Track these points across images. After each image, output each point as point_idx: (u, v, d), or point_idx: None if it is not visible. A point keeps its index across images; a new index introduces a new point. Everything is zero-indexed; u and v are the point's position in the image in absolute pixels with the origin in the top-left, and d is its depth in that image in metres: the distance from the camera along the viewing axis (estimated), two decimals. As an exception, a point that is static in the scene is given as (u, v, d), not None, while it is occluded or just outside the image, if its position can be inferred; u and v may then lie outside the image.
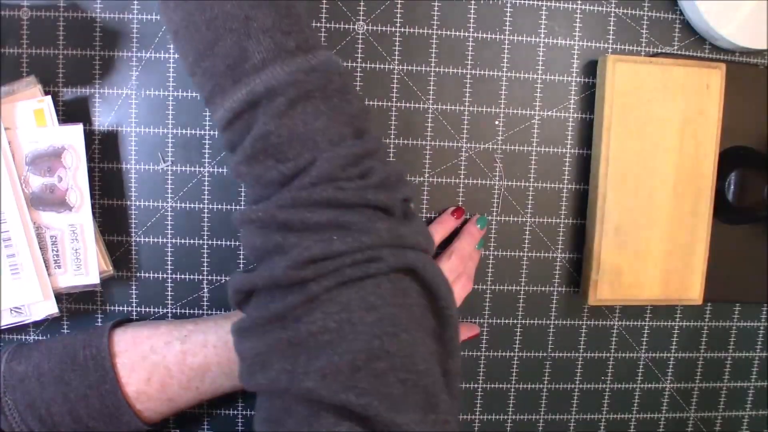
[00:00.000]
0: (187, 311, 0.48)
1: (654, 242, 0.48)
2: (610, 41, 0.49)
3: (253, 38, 0.31)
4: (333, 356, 0.29)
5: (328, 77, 0.32)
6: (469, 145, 0.49)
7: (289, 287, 0.31)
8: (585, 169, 0.50)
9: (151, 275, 0.47)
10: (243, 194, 0.47)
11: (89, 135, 0.46)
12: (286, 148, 0.31)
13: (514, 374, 0.51)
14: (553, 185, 0.50)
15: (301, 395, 0.29)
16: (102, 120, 0.46)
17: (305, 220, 0.31)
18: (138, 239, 0.47)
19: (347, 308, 0.30)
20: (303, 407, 0.29)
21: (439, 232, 0.47)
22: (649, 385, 0.52)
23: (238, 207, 0.47)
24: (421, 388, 0.30)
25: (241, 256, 0.48)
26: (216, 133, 0.47)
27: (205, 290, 0.48)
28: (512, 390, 0.51)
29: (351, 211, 0.31)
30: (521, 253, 0.50)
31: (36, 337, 0.47)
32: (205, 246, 0.48)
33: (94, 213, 0.45)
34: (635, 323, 0.52)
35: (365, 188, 0.32)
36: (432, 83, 0.48)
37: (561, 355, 0.51)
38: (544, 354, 0.51)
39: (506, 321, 0.50)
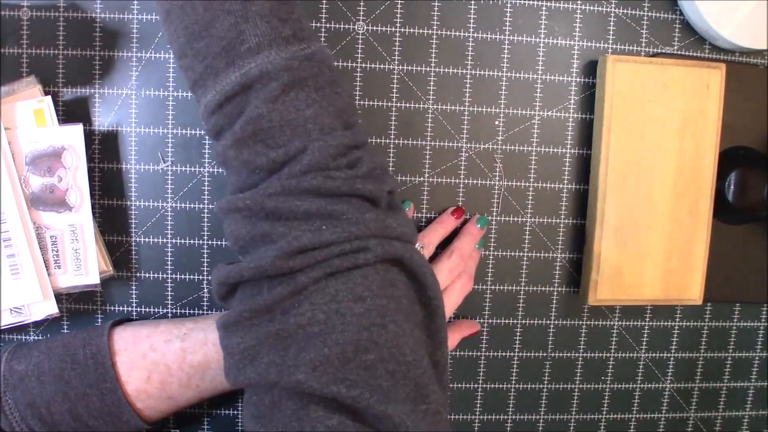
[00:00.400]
0: (187, 311, 0.48)
1: (654, 242, 0.48)
2: (610, 41, 0.49)
3: (250, 22, 0.31)
4: (323, 348, 0.29)
5: (320, 68, 0.32)
6: (469, 145, 0.49)
7: (276, 278, 0.31)
8: (585, 169, 0.50)
9: (151, 275, 0.47)
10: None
11: (89, 135, 0.46)
12: (277, 134, 0.31)
13: (514, 374, 0.51)
14: (553, 185, 0.50)
15: (290, 388, 0.29)
16: (102, 120, 0.46)
17: (294, 208, 0.30)
18: (138, 239, 0.47)
19: (336, 299, 0.30)
20: (292, 401, 0.29)
21: (439, 232, 0.47)
22: (649, 385, 0.52)
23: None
24: (411, 380, 0.30)
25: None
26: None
27: (205, 290, 0.48)
28: (512, 390, 0.51)
29: (340, 200, 0.31)
30: (521, 253, 0.50)
31: (36, 337, 0.47)
32: (205, 246, 0.48)
33: (94, 213, 0.45)
34: (635, 323, 0.52)
35: (354, 178, 0.32)
36: (432, 83, 0.48)
37: (561, 355, 0.51)
38: (544, 354, 0.51)
39: (506, 321, 0.50)
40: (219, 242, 0.48)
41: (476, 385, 0.51)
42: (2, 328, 0.42)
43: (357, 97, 0.48)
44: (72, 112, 0.46)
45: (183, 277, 0.48)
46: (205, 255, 0.48)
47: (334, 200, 0.31)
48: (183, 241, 0.47)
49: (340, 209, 0.31)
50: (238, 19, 0.31)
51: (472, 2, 0.48)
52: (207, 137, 0.47)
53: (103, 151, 0.46)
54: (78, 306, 0.47)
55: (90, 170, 0.45)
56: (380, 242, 0.31)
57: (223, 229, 0.33)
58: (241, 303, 0.32)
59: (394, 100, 0.48)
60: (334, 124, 0.32)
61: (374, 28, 0.47)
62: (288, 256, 0.30)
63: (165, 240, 0.47)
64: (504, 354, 0.51)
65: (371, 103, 0.48)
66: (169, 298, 0.48)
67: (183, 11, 0.31)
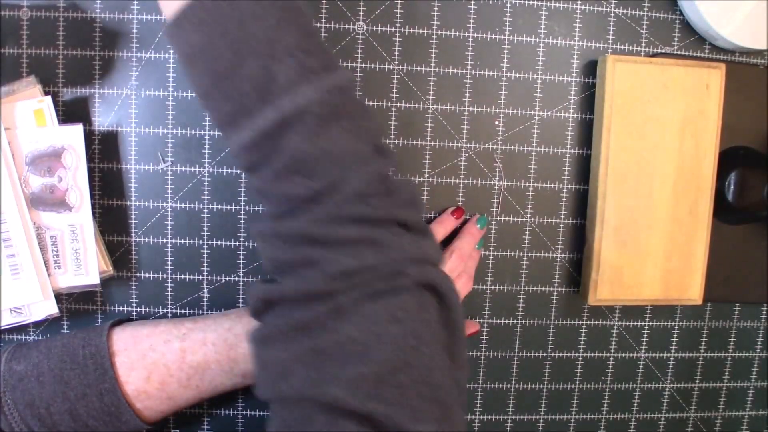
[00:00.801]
0: (186, 311, 0.48)
1: (654, 242, 0.48)
2: (610, 41, 0.49)
3: (277, 59, 0.31)
4: (360, 366, 0.30)
5: (350, 96, 0.33)
6: (469, 145, 0.49)
7: (316, 297, 0.31)
8: (585, 169, 0.50)
9: (151, 275, 0.47)
10: (244, 196, 0.47)
11: (89, 135, 0.46)
12: (316, 166, 0.31)
13: (514, 374, 0.51)
14: (553, 185, 0.50)
15: (324, 403, 0.30)
16: (102, 120, 0.46)
17: (337, 234, 0.31)
18: (138, 239, 0.47)
19: (374, 320, 0.31)
20: (323, 416, 0.30)
21: (439, 232, 0.47)
22: (649, 385, 0.52)
23: (238, 207, 0.47)
24: (438, 401, 0.31)
25: (241, 256, 0.48)
26: (216, 133, 0.47)
27: (205, 290, 0.48)
28: (512, 390, 0.51)
29: (379, 226, 0.32)
30: (521, 253, 0.50)
31: (36, 337, 0.47)
32: (205, 246, 0.48)
33: (94, 213, 0.45)
34: (635, 323, 0.52)
35: (392, 205, 0.33)
36: (432, 83, 0.48)
37: (561, 355, 0.51)
38: (544, 354, 0.51)
39: (506, 321, 0.50)
40: (219, 242, 0.48)
41: (476, 385, 0.51)
42: (2, 328, 0.42)
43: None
44: (72, 112, 0.46)
45: (183, 277, 0.48)
46: (205, 255, 0.48)
47: (374, 227, 0.32)
48: (183, 241, 0.47)
49: (380, 235, 0.32)
50: (265, 59, 0.31)
51: (472, 2, 0.48)
52: (207, 137, 0.47)
53: (103, 151, 0.46)
54: (78, 306, 0.47)
55: (90, 170, 0.45)
56: (416, 267, 0.32)
57: (260, 251, 0.34)
58: (278, 318, 0.33)
59: (394, 100, 0.48)
60: (368, 150, 0.33)
61: (374, 28, 0.47)
62: (332, 278, 0.31)
63: (165, 240, 0.47)
64: (504, 354, 0.51)
65: (371, 103, 0.48)
66: (169, 298, 0.48)
67: (207, 55, 0.31)
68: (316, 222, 0.31)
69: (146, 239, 0.47)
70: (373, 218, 0.32)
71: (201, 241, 0.47)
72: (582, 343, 0.51)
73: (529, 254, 0.50)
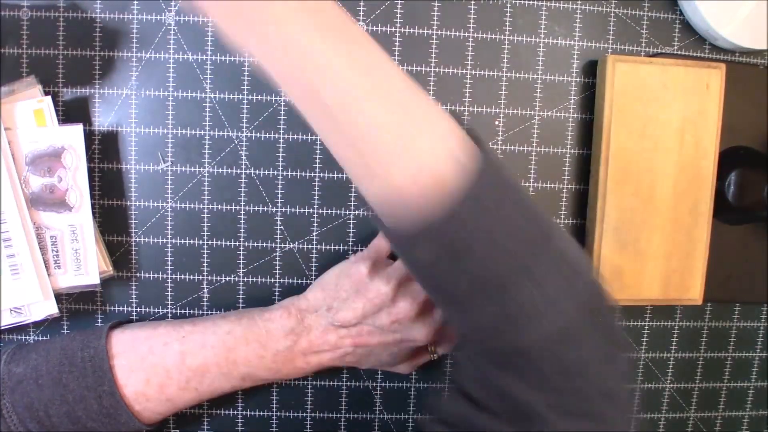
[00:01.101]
0: (186, 311, 0.48)
1: (654, 242, 0.48)
2: (610, 41, 0.49)
3: (517, 284, 0.29)
4: None
5: (597, 296, 0.32)
6: (469, 145, 0.49)
7: None
8: (585, 169, 0.50)
9: (151, 275, 0.47)
10: (245, 196, 0.47)
11: (89, 135, 0.46)
12: (569, 374, 0.31)
13: (514, 374, 0.51)
14: (553, 185, 0.50)
15: None
16: (102, 120, 0.46)
17: (568, 428, 0.31)
18: (138, 239, 0.47)
19: None
20: None
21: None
22: (649, 385, 0.52)
23: (238, 207, 0.47)
24: None
25: (241, 256, 0.48)
26: (216, 133, 0.47)
27: (205, 290, 0.48)
28: (512, 390, 0.51)
29: (605, 418, 0.32)
30: (521, 253, 0.50)
31: (36, 338, 0.47)
32: (205, 246, 0.48)
33: (94, 213, 0.45)
34: (635, 323, 0.52)
35: (619, 378, 0.33)
36: (432, 83, 0.48)
37: (561, 355, 0.51)
38: (544, 354, 0.51)
39: (506, 321, 0.50)
40: (219, 242, 0.48)
41: (476, 385, 0.51)
42: (2, 328, 0.42)
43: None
44: (72, 112, 0.46)
45: (183, 277, 0.48)
46: (205, 255, 0.48)
47: (601, 418, 0.32)
48: (183, 241, 0.47)
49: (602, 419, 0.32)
50: (503, 285, 0.29)
51: (472, 2, 0.48)
52: (207, 137, 0.47)
53: (103, 151, 0.46)
54: (78, 306, 0.47)
55: (90, 170, 0.45)
56: None
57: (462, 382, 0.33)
58: None
59: (394, 100, 0.48)
60: (616, 351, 0.33)
61: (374, 28, 0.47)
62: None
63: (165, 240, 0.47)
64: (504, 354, 0.51)
65: (371, 103, 0.48)
66: (169, 298, 0.48)
67: (437, 274, 0.31)
68: (555, 416, 0.31)
69: (146, 239, 0.47)
70: (605, 416, 0.32)
71: (201, 241, 0.47)
72: (582, 343, 0.51)
73: (529, 254, 0.50)
